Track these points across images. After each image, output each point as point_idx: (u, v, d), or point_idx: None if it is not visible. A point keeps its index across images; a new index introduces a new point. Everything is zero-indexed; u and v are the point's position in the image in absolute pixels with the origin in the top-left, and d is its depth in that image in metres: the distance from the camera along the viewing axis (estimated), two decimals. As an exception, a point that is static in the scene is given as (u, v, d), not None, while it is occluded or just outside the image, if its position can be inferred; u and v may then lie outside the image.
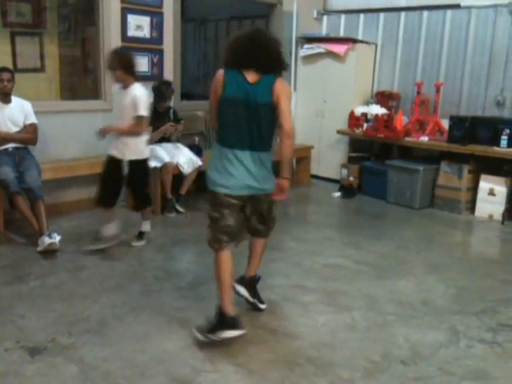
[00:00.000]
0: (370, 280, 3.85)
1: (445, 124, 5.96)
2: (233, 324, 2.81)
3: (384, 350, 2.87)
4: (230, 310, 2.83)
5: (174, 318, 3.14)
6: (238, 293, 3.17)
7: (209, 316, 2.91)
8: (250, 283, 3.24)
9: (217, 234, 2.89)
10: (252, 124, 2.78)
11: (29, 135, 4.54)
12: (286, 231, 4.86)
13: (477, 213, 5.64)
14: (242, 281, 3.22)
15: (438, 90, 6.01)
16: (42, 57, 6.59)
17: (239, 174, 2.80)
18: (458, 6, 6.06)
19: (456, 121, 5.64)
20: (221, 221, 2.87)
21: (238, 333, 2.82)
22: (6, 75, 4.33)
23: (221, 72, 2.81)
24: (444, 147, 5.70)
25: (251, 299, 3.23)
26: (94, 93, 5.53)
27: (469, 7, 5.98)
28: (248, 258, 3.23)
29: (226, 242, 2.89)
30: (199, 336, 2.80)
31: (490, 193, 5.50)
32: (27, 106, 4.56)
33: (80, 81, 6.48)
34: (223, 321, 2.81)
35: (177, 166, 5.20)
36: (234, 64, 2.80)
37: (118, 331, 2.96)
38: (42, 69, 6.58)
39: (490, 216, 5.53)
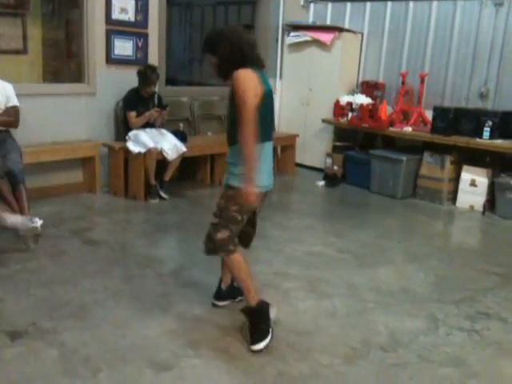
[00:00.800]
0: (351, 268, 3.88)
1: (428, 115, 6.00)
2: (267, 305, 2.83)
3: (364, 336, 2.91)
4: (259, 298, 2.83)
5: (155, 304, 3.13)
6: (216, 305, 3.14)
7: (243, 328, 2.85)
8: (230, 291, 3.18)
9: (235, 237, 2.77)
10: (272, 113, 2.80)
11: (10, 118, 4.45)
12: (268, 219, 4.86)
13: (458, 203, 5.71)
14: (221, 297, 3.16)
15: (422, 81, 6.04)
16: (24, 38, 6.48)
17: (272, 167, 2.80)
18: (444, -3, 6.08)
19: (439, 112, 5.69)
20: (240, 224, 2.76)
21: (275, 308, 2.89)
22: (-14, 56, 4.25)
23: (249, 70, 2.57)
24: (427, 138, 5.75)
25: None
26: (77, 76, 5.45)
27: (455, -1, 6.01)
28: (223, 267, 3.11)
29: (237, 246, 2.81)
30: (263, 343, 2.71)
31: (472, 184, 5.57)
32: (9, 88, 4.47)
33: (63, 64, 6.38)
34: (263, 310, 2.79)
35: (161, 152, 5.17)
36: (248, 61, 2.64)
37: (98, 316, 2.96)
38: (24, 51, 6.46)
39: (471, 207, 5.60)
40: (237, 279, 2.90)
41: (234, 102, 2.58)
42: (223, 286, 3.14)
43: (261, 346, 2.69)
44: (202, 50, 2.74)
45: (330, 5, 7.06)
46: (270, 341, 2.73)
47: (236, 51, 2.61)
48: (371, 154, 6.12)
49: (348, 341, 2.85)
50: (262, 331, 2.74)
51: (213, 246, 2.77)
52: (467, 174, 5.60)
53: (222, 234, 2.72)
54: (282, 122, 7.22)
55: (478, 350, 2.85)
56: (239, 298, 3.15)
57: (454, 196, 5.76)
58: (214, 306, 3.14)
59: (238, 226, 2.75)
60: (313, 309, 3.20)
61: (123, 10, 5.32)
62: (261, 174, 2.65)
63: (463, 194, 5.66)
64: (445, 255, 4.31)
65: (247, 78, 2.54)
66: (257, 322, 2.77)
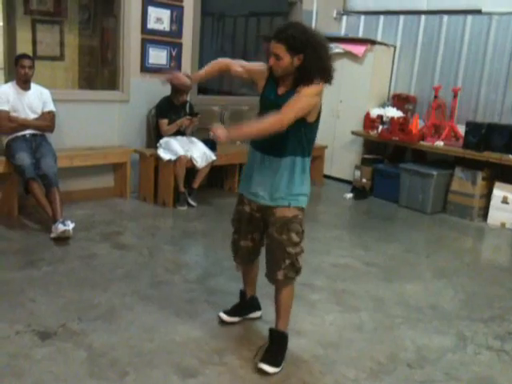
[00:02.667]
0: (378, 281, 3.85)
1: (460, 129, 5.93)
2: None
3: (390, 351, 2.88)
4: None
5: (182, 310, 3.16)
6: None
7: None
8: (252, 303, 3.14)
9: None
10: None
11: (46, 122, 4.59)
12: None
13: (489, 220, 5.61)
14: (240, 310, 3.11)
15: (455, 95, 5.98)
16: (61, 45, 6.65)
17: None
18: (479, 12, 6.02)
19: (472, 127, 5.61)
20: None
21: None
22: (27, 62, 4.38)
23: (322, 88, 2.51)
24: (459, 153, 5.68)
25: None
26: (111, 83, 5.57)
27: (490, 13, 5.94)
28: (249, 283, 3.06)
29: None
30: (275, 369, 2.60)
31: (504, 201, 5.47)
32: (46, 93, 4.61)
33: (98, 71, 6.53)
34: (286, 340, 2.74)
35: (190, 160, 5.22)
36: (325, 77, 2.53)
37: (126, 320, 3.00)
38: (61, 57, 6.64)
39: (503, 224, 5.50)
40: (289, 307, 2.74)
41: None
42: (248, 297, 3.08)
43: (271, 369, 2.58)
44: (276, 37, 2.43)
45: (362, 17, 7.07)
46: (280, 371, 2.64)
47: (315, 67, 2.46)
48: (401, 167, 6.07)
49: (374, 355, 2.82)
50: (279, 358, 2.66)
51: (295, 275, 2.65)
52: (499, 191, 5.51)
53: (301, 261, 2.65)
54: (311, 133, 7.21)
55: (508, 371, 2.79)
56: (250, 316, 3.10)
57: (485, 212, 5.66)
58: (223, 321, 3.04)
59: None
60: (339, 321, 3.18)
61: (158, 20, 5.42)
62: (308, 186, 2.65)
63: (494, 210, 5.56)
64: (474, 272, 4.24)
65: (317, 90, 2.47)
66: (281, 347, 2.71)
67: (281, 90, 2.57)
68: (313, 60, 2.43)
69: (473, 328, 3.23)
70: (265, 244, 2.75)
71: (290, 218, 2.57)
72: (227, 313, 3.06)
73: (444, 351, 2.93)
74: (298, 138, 2.55)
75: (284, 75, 2.51)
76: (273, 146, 2.57)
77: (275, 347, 2.70)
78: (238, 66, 2.74)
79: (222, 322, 3.04)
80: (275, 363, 2.62)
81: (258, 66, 2.71)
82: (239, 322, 3.06)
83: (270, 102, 2.55)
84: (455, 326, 3.25)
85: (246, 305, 3.09)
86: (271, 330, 2.76)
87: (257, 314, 3.12)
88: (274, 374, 2.58)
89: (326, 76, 2.51)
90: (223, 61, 2.79)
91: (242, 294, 3.09)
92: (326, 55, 2.51)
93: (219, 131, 2.41)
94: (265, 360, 2.62)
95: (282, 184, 2.58)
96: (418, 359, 2.83)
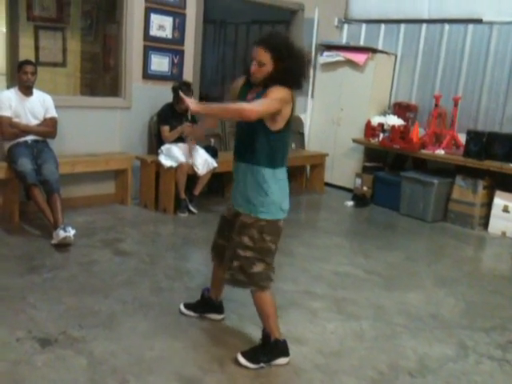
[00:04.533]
0: (378, 290, 3.85)
1: (461, 138, 5.94)
2: (285, 349, 2.76)
3: (392, 360, 2.87)
4: (280, 335, 2.76)
5: (182, 317, 3.15)
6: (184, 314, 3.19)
7: (253, 342, 2.84)
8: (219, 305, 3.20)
9: (270, 270, 2.69)
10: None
11: (48, 128, 4.60)
12: (295, 236, 4.87)
13: (490, 229, 5.61)
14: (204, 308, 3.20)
15: (455, 104, 5.99)
16: (63, 52, 6.68)
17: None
18: (479, 21, 6.05)
19: (473, 135, 5.63)
20: (274, 255, 2.70)
21: (288, 359, 2.76)
22: (29, 68, 4.39)
23: (290, 92, 2.55)
24: (460, 161, 5.68)
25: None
26: (113, 90, 5.58)
27: (491, 23, 5.97)
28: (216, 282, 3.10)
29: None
30: (249, 364, 2.67)
31: (505, 209, 5.47)
32: (48, 99, 4.62)
33: (99, 77, 6.55)
34: (277, 347, 2.74)
35: (192, 167, 5.23)
36: (297, 85, 2.61)
37: (127, 327, 2.99)
38: (63, 63, 6.67)
39: (503, 233, 5.50)
40: (265, 314, 2.72)
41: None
42: (214, 298, 3.13)
43: (246, 363, 2.67)
44: (261, 44, 2.48)
45: (363, 26, 7.10)
46: (258, 370, 2.68)
47: (294, 75, 2.52)
48: (402, 175, 6.08)
49: (376, 364, 2.81)
50: (260, 356, 2.70)
51: (245, 279, 2.66)
52: (500, 200, 5.51)
53: (257, 268, 2.64)
54: (312, 141, 7.24)
55: (510, 381, 2.79)
56: (209, 316, 3.16)
57: (485, 221, 5.67)
58: (182, 313, 3.18)
59: (272, 258, 2.70)
60: (340, 330, 3.17)
61: (161, 27, 5.44)
62: (281, 200, 2.64)
63: (495, 219, 5.56)
64: (475, 281, 4.24)
65: (282, 94, 2.48)
66: (262, 347, 2.73)
67: (250, 95, 2.61)
68: (292, 69, 2.50)
69: (474, 337, 3.22)
70: None
71: (248, 223, 2.63)
72: (186, 306, 3.20)
73: (445, 360, 2.93)
74: (263, 146, 2.57)
75: (260, 82, 2.56)
76: (242, 152, 2.64)
77: (259, 345, 2.76)
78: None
79: (183, 314, 3.16)
80: (251, 359, 2.68)
81: (236, 84, 2.78)
82: (241, 330, 3.05)
83: None
84: (456, 335, 3.24)
85: (206, 302, 3.16)
86: (262, 330, 2.79)
87: (216, 316, 3.16)
88: (247, 367, 2.65)
89: (299, 83, 2.58)
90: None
91: (204, 290, 3.18)
92: (305, 65, 2.58)
93: (192, 102, 2.47)
94: (244, 352, 2.71)
95: (247, 191, 2.64)
96: (419, 368, 2.82)
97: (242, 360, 2.69)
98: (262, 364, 2.69)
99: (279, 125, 2.56)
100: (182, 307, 3.21)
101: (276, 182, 2.62)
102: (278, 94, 2.47)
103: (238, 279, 2.68)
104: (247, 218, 2.64)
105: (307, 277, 3.98)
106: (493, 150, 5.52)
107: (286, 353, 2.75)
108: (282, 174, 2.66)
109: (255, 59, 2.49)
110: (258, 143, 2.58)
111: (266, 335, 2.75)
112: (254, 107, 2.42)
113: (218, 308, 3.16)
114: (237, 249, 2.65)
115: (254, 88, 2.60)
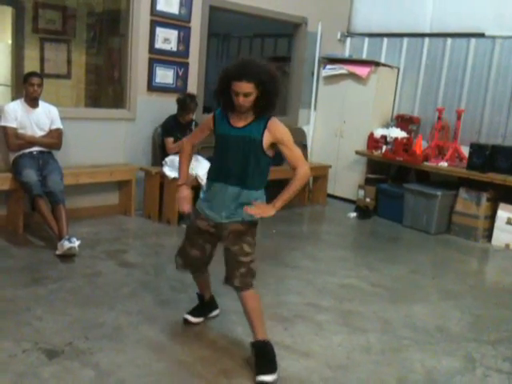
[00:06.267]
0: (384, 303, 3.83)
1: (464, 151, 5.96)
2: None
3: (399, 374, 2.85)
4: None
5: (189, 330, 3.14)
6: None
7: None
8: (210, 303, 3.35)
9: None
10: None
11: (53, 140, 4.61)
12: (299, 249, 4.87)
13: (493, 241, 5.61)
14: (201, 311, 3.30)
15: (458, 117, 6.02)
16: (68, 64, 6.72)
17: None
18: (482, 35, 6.09)
19: (476, 148, 5.64)
20: None
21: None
22: (36, 80, 4.41)
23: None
24: (463, 174, 5.69)
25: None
26: (118, 102, 5.61)
27: (493, 37, 6.01)
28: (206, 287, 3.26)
29: None
30: (271, 379, 2.66)
31: (508, 222, 5.47)
32: (54, 111, 4.64)
33: (104, 89, 6.59)
34: (271, 347, 2.79)
35: (196, 178, 5.23)
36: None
37: (133, 339, 2.98)
38: (68, 75, 6.71)
39: (507, 245, 5.49)
40: (257, 312, 2.81)
41: (263, 146, 2.67)
42: (208, 298, 3.26)
43: (270, 378, 2.65)
44: (238, 78, 2.57)
45: (366, 39, 7.15)
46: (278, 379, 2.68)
47: (275, 96, 2.67)
48: (405, 187, 6.08)
49: (383, 378, 2.80)
50: (272, 364, 2.71)
51: (252, 279, 2.79)
52: (503, 212, 5.52)
53: (255, 266, 2.81)
54: (315, 153, 7.25)
55: (518, 395, 2.77)
56: (212, 315, 3.30)
57: (489, 234, 5.66)
58: (189, 322, 3.20)
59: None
60: (347, 343, 3.16)
61: (166, 40, 5.48)
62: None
63: (499, 231, 5.56)
64: (480, 294, 4.23)
65: (286, 129, 2.72)
66: (269, 355, 2.74)
67: (238, 123, 2.70)
68: (273, 90, 2.64)
69: (481, 350, 3.21)
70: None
71: (243, 230, 2.76)
72: (192, 314, 3.23)
73: (453, 373, 2.91)
74: (261, 172, 2.76)
75: (246, 109, 2.65)
76: (239, 180, 2.72)
77: (265, 358, 2.73)
78: (196, 138, 2.96)
79: (188, 323, 3.19)
80: (271, 370, 2.68)
81: (204, 124, 2.91)
82: (243, 342, 3.03)
83: (235, 135, 2.70)
84: (463, 348, 3.22)
85: (206, 305, 3.29)
86: (252, 344, 2.79)
87: (216, 312, 3.33)
88: (275, 381, 2.63)
89: (275, 102, 2.70)
90: (186, 147, 2.97)
91: (200, 296, 3.27)
92: (279, 84, 2.71)
93: (265, 211, 2.64)
94: (260, 372, 2.67)
95: (230, 205, 2.75)
96: (427, 381, 2.80)
97: (267, 378, 2.64)
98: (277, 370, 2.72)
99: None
100: (189, 317, 3.21)
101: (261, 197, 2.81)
102: (286, 133, 2.71)
103: (249, 282, 2.78)
104: (239, 226, 2.75)
105: (312, 289, 3.97)
106: (496, 163, 5.53)
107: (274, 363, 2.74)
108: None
109: (240, 93, 2.59)
110: (258, 169, 2.73)
111: (261, 344, 2.76)
112: (306, 166, 2.72)
113: (215, 304, 3.33)
114: (239, 257, 2.76)
115: (239, 115, 2.70)
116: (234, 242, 2.76)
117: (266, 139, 2.67)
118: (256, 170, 2.72)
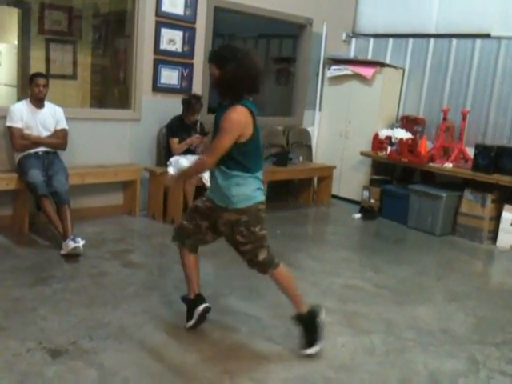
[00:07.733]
0: (389, 304, 3.82)
1: (469, 152, 5.94)
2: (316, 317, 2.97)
3: (403, 375, 2.85)
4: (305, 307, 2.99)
5: (192, 330, 3.14)
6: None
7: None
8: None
9: (271, 250, 2.94)
10: (261, 147, 3.00)
11: (59, 140, 4.64)
12: (304, 249, 4.87)
13: (498, 243, 5.59)
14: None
15: (464, 118, 6.00)
16: (74, 64, 6.75)
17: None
18: (487, 36, 6.07)
19: (481, 149, 5.62)
20: (267, 237, 2.94)
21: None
22: (41, 81, 4.44)
23: (244, 111, 2.75)
24: (468, 175, 5.67)
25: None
26: (123, 102, 5.63)
27: (499, 38, 5.99)
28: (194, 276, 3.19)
29: None
30: (314, 348, 2.91)
31: (513, 223, 5.46)
32: (59, 111, 4.66)
33: (109, 90, 6.61)
34: (313, 318, 2.95)
35: (200, 179, 5.24)
36: (248, 91, 2.83)
37: (137, 338, 2.98)
38: (73, 76, 6.74)
39: (512, 247, 5.48)
40: (290, 289, 2.99)
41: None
42: (197, 291, 3.16)
43: (312, 350, 2.89)
44: (208, 58, 2.81)
45: (371, 40, 7.14)
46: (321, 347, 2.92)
47: (241, 77, 2.70)
48: (410, 188, 6.07)
49: (387, 379, 2.79)
50: (311, 337, 2.91)
51: (261, 268, 2.93)
52: (508, 214, 5.49)
53: (262, 255, 2.89)
54: (320, 154, 7.25)
55: (523, 397, 2.76)
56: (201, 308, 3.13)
57: (494, 235, 5.64)
58: (193, 328, 3.13)
59: (267, 240, 2.91)
60: (351, 344, 3.16)
61: (171, 41, 5.49)
62: (246, 191, 2.81)
63: (504, 233, 5.53)
64: (485, 295, 4.21)
65: (236, 123, 2.69)
66: (308, 328, 2.92)
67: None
68: (239, 70, 2.67)
69: (485, 352, 3.19)
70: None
71: (233, 220, 2.83)
72: (186, 319, 3.15)
73: (457, 375, 2.90)
74: (233, 155, 2.76)
75: (219, 94, 2.78)
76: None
77: (303, 330, 2.94)
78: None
79: (195, 328, 3.12)
80: (310, 344, 2.90)
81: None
82: (251, 343, 3.05)
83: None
84: (467, 350, 3.21)
85: (192, 303, 3.14)
86: (293, 318, 2.98)
87: (203, 306, 3.14)
88: (317, 352, 2.89)
89: (251, 86, 2.75)
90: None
91: (185, 298, 3.20)
92: (251, 66, 2.72)
93: (168, 180, 2.98)
94: (303, 346, 2.92)
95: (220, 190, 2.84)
96: (430, 383, 2.79)
97: (309, 351, 2.90)
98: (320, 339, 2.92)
99: (245, 137, 2.75)
100: (190, 323, 3.12)
101: (248, 181, 2.82)
102: (230, 124, 2.68)
103: (264, 266, 2.91)
104: (227, 214, 2.81)
105: (317, 291, 3.96)
106: (501, 164, 5.51)
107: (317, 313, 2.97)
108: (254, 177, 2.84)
109: (211, 74, 2.77)
110: (227, 154, 2.77)
111: (298, 317, 2.95)
112: (209, 158, 2.78)
113: (202, 299, 3.16)
114: (238, 247, 2.90)
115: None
116: (228, 234, 2.88)
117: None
118: (225, 154, 2.75)
